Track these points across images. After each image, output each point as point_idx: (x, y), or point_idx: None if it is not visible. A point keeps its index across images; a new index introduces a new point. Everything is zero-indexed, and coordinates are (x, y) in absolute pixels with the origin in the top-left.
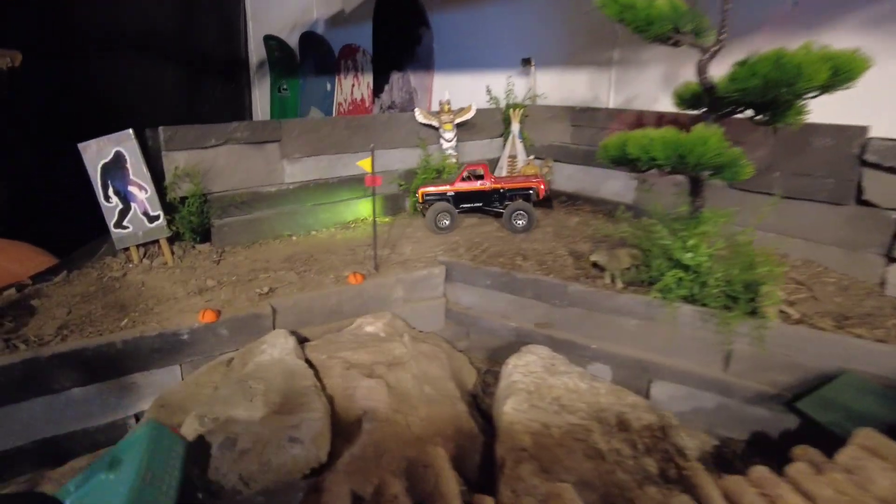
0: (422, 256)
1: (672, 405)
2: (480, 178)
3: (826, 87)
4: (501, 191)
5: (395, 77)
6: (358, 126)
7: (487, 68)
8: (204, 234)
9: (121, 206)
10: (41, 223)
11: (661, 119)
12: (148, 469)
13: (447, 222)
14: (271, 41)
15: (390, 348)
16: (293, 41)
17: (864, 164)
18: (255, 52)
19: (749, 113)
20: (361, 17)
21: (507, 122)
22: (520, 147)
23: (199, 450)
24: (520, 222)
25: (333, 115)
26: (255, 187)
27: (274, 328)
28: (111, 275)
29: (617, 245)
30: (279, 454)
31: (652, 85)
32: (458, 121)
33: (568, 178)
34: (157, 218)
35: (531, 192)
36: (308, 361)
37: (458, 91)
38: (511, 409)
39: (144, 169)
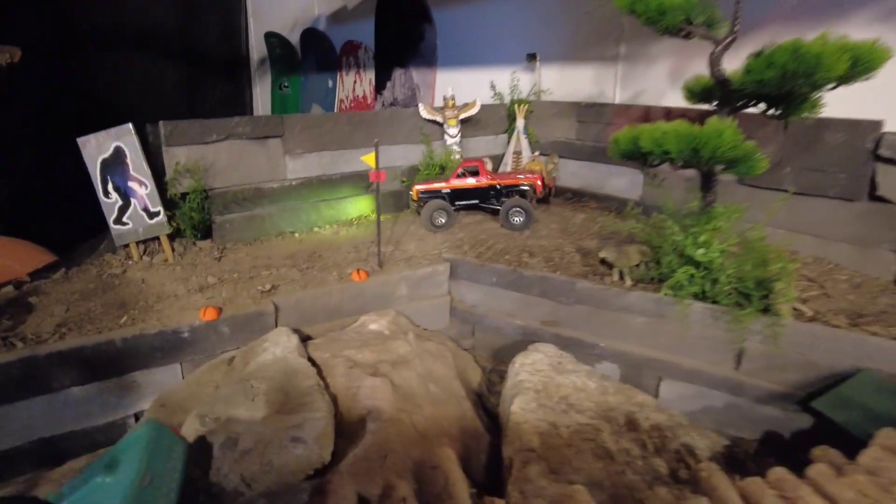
0: (426, 253)
1: (681, 404)
2: (476, 174)
3: (845, 79)
4: (498, 187)
5: (398, 73)
6: (360, 122)
7: (491, 64)
8: (205, 231)
9: (120, 202)
10: (41, 222)
11: (668, 115)
12: (147, 471)
13: (443, 220)
14: (272, 38)
15: (395, 346)
16: (294, 38)
17: (878, 158)
18: (256, 49)
19: (761, 107)
20: (363, 13)
21: (511, 118)
22: (524, 143)
23: (200, 450)
24: (517, 219)
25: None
26: (257, 183)
27: (276, 326)
28: (111, 272)
29: (625, 241)
30: (281, 455)
31: (659, 80)
32: (462, 116)
33: (573, 174)
34: (157, 214)
35: (528, 188)
36: (311, 360)
37: (461, 87)
38: (519, 408)
39: (144, 164)
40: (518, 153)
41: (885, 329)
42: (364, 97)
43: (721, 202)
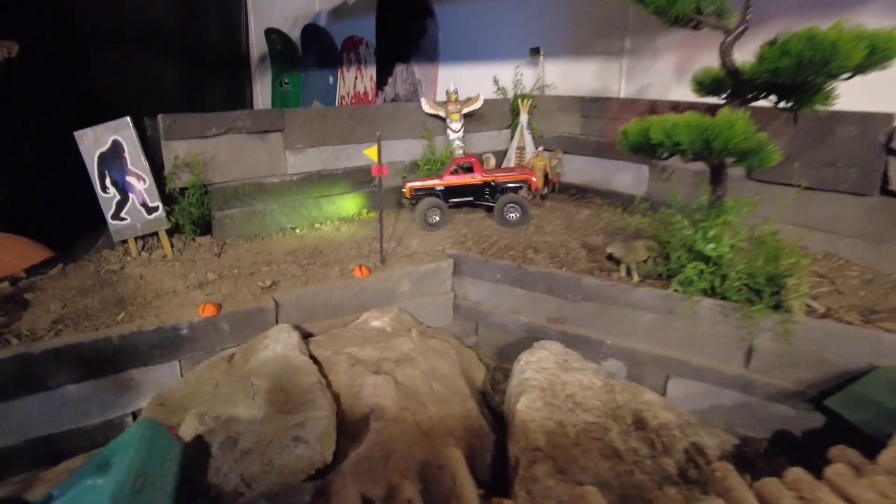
0: (429, 250)
1: (690, 403)
2: (470, 170)
3: (861, 68)
4: (493, 184)
5: (399, 69)
6: (362, 116)
7: (494, 59)
8: (204, 227)
9: (118, 197)
10: (41, 219)
11: (675, 108)
12: (139, 473)
13: (437, 218)
14: (273, 34)
15: (397, 344)
16: (295, 34)
17: (891, 152)
18: (256, 45)
19: (772, 99)
20: (365, 9)
21: (515, 113)
22: (528, 138)
23: (198, 450)
24: (512, 215)
25: None
26: (258, 178)
27: (277, 323)
28: (108, 268)
29: (632, 237)
30: (282, 454)
31: (665, 74)
32: (465, 111)
33: (577, 170)
34: (155, 209)
35: (523, 185)
36: (312, 357)
37: (464, 83)
38: (524, 406)
39: (143, 159)
40: (521, 148)
41: None
42: (365, 93)
43: (729, 197)
